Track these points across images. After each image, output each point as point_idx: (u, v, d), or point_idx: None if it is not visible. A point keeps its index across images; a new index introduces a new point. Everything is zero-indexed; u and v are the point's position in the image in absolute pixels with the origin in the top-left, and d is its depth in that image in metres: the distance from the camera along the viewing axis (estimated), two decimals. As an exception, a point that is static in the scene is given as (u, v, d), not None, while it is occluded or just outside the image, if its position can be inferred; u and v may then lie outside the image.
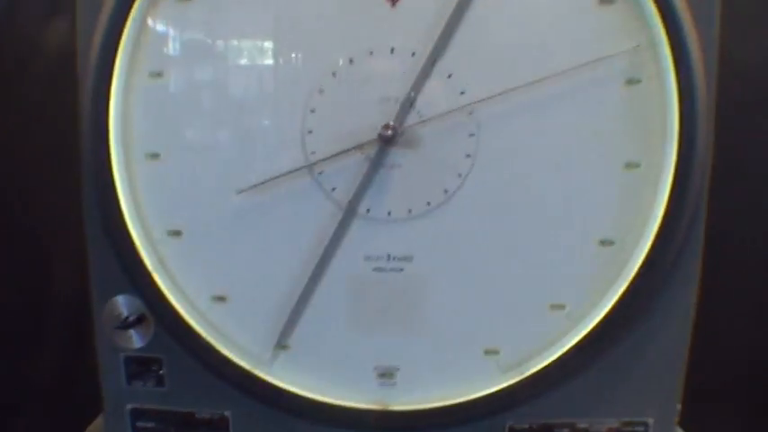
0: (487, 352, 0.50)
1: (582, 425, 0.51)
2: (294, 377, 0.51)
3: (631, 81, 0.47)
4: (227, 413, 0.52)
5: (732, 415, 0.72)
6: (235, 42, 0.49)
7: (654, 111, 0.47)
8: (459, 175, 0.49)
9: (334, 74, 0.48)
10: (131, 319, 0.52)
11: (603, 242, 0.49)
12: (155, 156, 0.50)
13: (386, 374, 0.51)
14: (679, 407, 0.52)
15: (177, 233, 0.51)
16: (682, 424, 0.54)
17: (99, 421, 0.59)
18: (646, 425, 0.51)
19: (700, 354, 0.52)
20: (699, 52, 0.46)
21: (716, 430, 0.60)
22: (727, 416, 0.71)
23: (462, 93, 0.47)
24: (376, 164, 0.48)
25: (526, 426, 0.51)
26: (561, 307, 0.50)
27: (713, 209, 0.49)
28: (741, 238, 0.67)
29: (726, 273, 0.60)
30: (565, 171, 0.48)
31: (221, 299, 0.51)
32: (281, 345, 0.51)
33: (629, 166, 0.48)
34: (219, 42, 0.49)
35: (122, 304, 0.52)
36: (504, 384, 0.50)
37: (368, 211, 0.49)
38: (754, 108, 0.65)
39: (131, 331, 0.52)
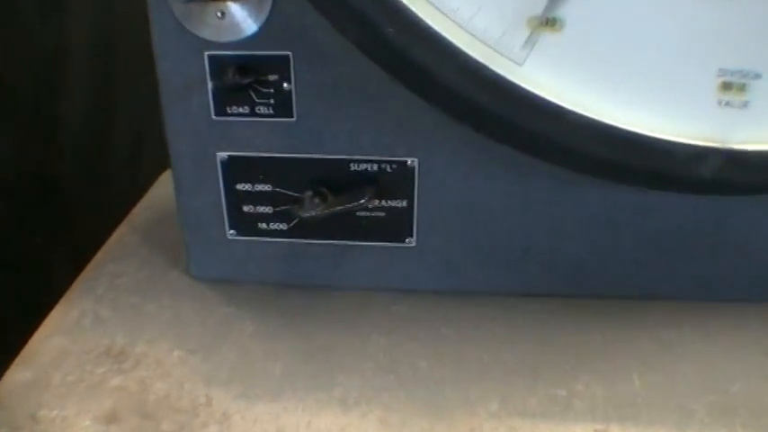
0: None
1: None
2: (559, 80, 0.27)
3: None
4: (411, 161, 0.30)
5: None
6: None
7: None
8: None
9: None
10: (229, -24, 0.27)
11: None
12: None
13: (733, 87, 0.27)
14: None
15: None
16: None
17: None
18: None
19: None
20: None
21: None
22: None
23: None
24: None
25: None
26: None
27: None
28: None
29: None
30: None
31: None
32: (545, 20, 0.26)
33: None
34: None
35: (209, -52, 0.27)
36: None
37: None
38: None
39: (229, 2, 0.27)
